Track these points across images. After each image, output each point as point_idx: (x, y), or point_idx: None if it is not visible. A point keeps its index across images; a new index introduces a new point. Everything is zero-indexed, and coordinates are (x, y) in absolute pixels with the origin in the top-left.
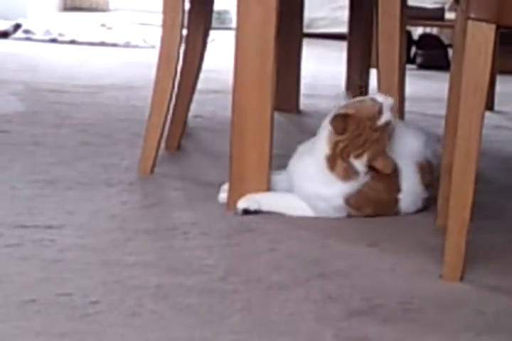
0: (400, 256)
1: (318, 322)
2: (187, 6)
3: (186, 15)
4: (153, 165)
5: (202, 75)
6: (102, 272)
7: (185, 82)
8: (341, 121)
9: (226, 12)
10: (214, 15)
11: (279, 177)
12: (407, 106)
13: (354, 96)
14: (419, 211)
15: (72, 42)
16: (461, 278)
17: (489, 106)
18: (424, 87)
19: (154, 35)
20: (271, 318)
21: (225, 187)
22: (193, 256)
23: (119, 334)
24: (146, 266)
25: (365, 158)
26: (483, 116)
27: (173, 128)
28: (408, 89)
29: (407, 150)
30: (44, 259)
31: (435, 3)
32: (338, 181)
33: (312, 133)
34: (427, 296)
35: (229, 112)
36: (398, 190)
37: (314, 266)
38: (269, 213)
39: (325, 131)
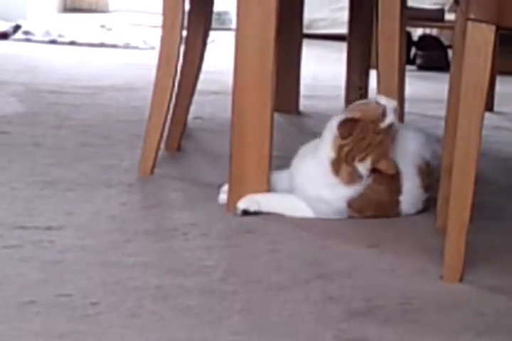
0: (399, 256)
1: (318, 323)
2: (187, 7)
3: (186, 16)
4: (153, 166)
5: (202, 76)
6: (102, 273)
7: (185, 83)
8: (348, 126)
9: (226, 13)
10: (214, 16)
11: (279, 177)
12: (407, 107)
13: (354, 98)
14: (419, 212)
15: (72, 43)
16: (461, 279)
17: (489, 106)
18: (424, 88)
19: (154, 36)
20: (271, 319)
21: (225, 188)
22: (192, 257)
23: (118, 335)
24: (146, 267)
25: (368, 161)
26: (482, 117)
27: (173, 129)
28: (408, 90)
29: (407, 152)
30: (44, 260)
31: (435, 4)
32: (342, 185)
33: (312, 134)
34: (427, 297)
35: (229, 113)
36: (399, 192)
37: (314, 266)
38: (268, 214)
39: (330, 134)
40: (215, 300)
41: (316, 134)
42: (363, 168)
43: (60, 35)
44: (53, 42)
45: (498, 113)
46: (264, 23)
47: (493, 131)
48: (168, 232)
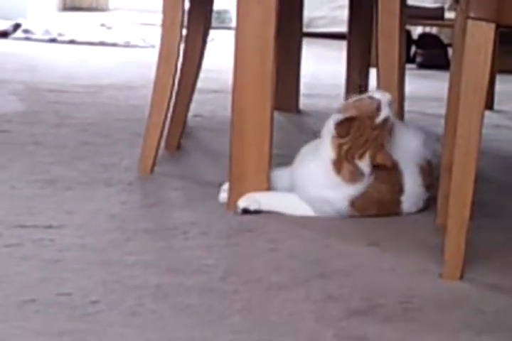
0: (400, 255)
1: (318, 322)
2: (187, 5)
3: (186, 15)
4: (153, 165)
5: (202, 75)
6: (102, 272)
7: (185, 82)
8: (345, 125)
9: (226, 11)
10: (214, 15)
11: (279, 175)
12: (407, 106)
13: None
14: (419, 210)
15: (72, 41)
16: (461, 277)
17: (489, 105)
18: (424, 87)
19: (154, 34)
20: (271, 318)
21: (225, 186)
22: (192, 255)
23: (118, 334)
24: (146, 265)
25: (367, 157)
26: (482, 116)
27: (173, 127)
28: (408, 88)
29: (408, 150)
30: (44, 259)
31: (435, 2)
32: (345, 184)
33: (312, 132)
34: (427, 295)
35: (229, 112)
36: (401, 191)
37: (314, 265)
38: (269, 213)
39: (328, 135)
40: (215, 299)
41: (316, 133)
42: (364, 164)
43: (59, 34)
44: (53, 40)
45: (498, 111)
46: (264, 22)
47: (493, 130)
48: (168, 231)
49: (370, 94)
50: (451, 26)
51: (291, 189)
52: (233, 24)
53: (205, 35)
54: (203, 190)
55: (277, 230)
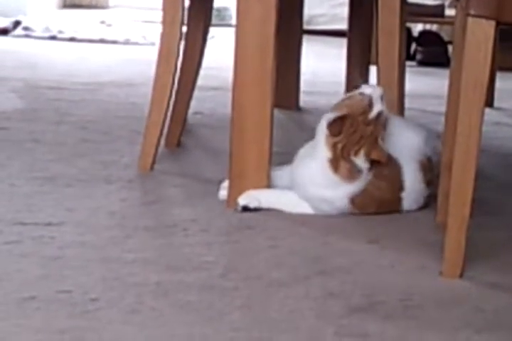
0: (400, 253)
1: (318, 319)
2: (187, 2)
3: (186, 12)
4: (153, 162)
5: (202, 72)
6: (102, 269)
7: (185, 79)
8: (337, 124)
9: (226, 9)
10: (214, 12)
11: (279, 173)
12: (407, 103)
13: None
14: (419, 208)
15: (72, 39)
16: (461, 275)
17: (489, 102)
18: (424, 84)
19: (154, 32)
20: (271, 315)
21: (225, 184)
22: (192, 253)
23: (118, 331)
24: (146, 263)
25: (362, 153)
26: (482, 113)
27: (173, 125)
28: (408, 85)
29: (408, 147)
30: (43, 256)
31: None
32: (343, 182)
33: (312, 130)
34: (427, 293)
35: (229, 109)
36: (401, 188)
37: (314, 263)
38: (269, 210)
39: (322, 134)
40: (215, 296)
41: (315, 131)
42: (360, 161)
43: (59, 31)
44: (53, 38)
45: (498, 109)
46: (264, 19)
47: (493, 127)
48: (168, 228)
49: (360, 90)
50: (451, 23)
51: (290, 187)
52: (233, 21)
53: (205, 32)
54: (202, 187)
55: (277, 227)
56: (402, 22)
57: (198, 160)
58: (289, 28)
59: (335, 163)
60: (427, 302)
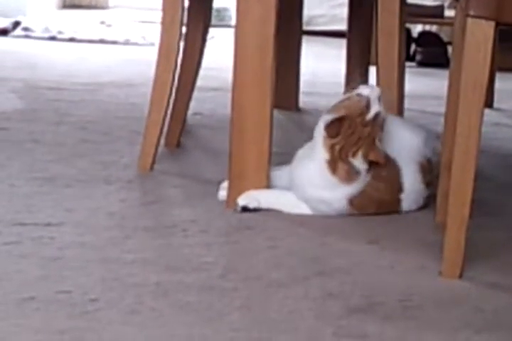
0: (399, 253)
1: (317, 320)
2: (186, 3)
3: (186, 13)
4: (153, 163)
5: (201, 73)
6: (101, 269)
7: (184, 80)
8: (335, 125)
9: (225, 9)
10: (213, 13)
11: (278, 173)
12: (407, 104)
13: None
14: (418, 208)
15: (72, 39)
16: (461, 275)
17: (488, 103)
18: (424, 85)
19: (154, 32)
20: (270, 316)
21: (225, 184)
22: (192, 253)
23: (118, 332)
24: (145, 263)
25: (360, 154)
26: (482, 114)
27: (173, 125)
28: (408, 86)
29: (408, 148)
30: (43, 257)
31: (435, 0)
32: (341, 184)
33: (311, 130)
34: (427, 293)
35: (228, 110)
36: (400, 189)
37: (314, 263)
38: (268, 211)
39: (319, 136)
40: (215, 297)
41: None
42: (358, 162)
43: (59, 32)
44: (53, 38)
45: (498, 109)
46: (264, 20)
47: (493, 128)
48: (168, 229)
49: (358, 91)
50: (450, 24)
51: (289, 187)
52: (233, 22)
53: (205, 33)
54: (202, 187)
55: (276, 228)
56: (402, 23)
57: (198, 160)
58: (289, 28)
59: (333, 165)
60: (427, 302)
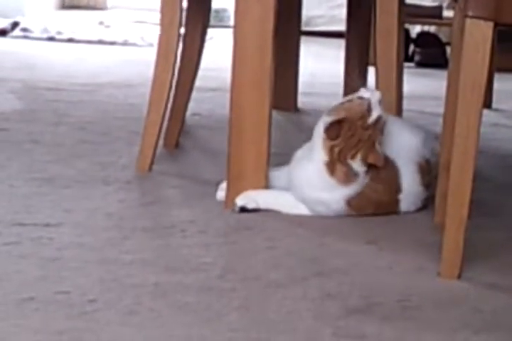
0: (398, 253)
1: (316, 320)
2: (185, 4)
3: (184, 14)
4: (151, 163)
5: (200, 73)
6: (100, 270)
7: (183, 80)
8: (335, 127)
9: (224, 10)
10: (212, 14)
11: (276, 174)
12: (405, 104)
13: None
14: (417, 209)
15: (70, 40)
16: (459, 276)
17: (487, 104)
18: (423, 85)
19: (152, 33)
20: (269, 316)
21: (223, 185)
22: (190, 254)
23: (116, 332)
24: (144, 264)
25: (359, 157)
26: (481, 114)
27: (171, 126)
28: (406, 87)
29: (406, 149)
30: (42, 257)
31: (433, 1)
32: (339, 185)
33: (310, 131)
34: (425, 294)
35: (227, 110)
36: (399, 190)
37: (312, 264)
38: (266, 211)
39: (318, 137)
40: (214, 297)
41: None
42: (356, 165)
43: (58, 32)
44: (51, 39)
45: (496, 110)
46: (263, 20)
47: (492, 128)
48: (166, 229)
49: (359, 94)
50: (449, 25)
51: (288, 188)
52: (232, 23)
53: (204, 33)
54: (201, 188)
55: (275, 228)
56: (400, 23)
57: (196, 161)
58: (287, 29)
59: (331, 166)
60: (425, 303)
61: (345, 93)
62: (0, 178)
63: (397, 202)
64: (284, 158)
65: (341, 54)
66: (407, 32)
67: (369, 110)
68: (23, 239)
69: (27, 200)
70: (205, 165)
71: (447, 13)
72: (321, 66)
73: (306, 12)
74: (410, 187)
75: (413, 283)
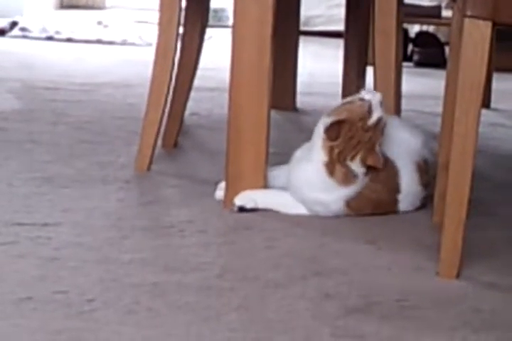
0: (396, 253)
1: (314, 320)
2: (183, 3)
3: (183, 13)
4: (150, 163)
5: (198, 73)
6: (99, 270)
7: (181, 80)
8: (335, 128)
9: (223, 10)
10: (211, 13)
11: (275, 174)
12: (404, 104)
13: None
14: (416, 209)
15: (69, 40)
16: (458, 275)
17: (486, 103)
18: (421, 85)
19: (151, 32)
20: (268, 316)
21: (222, 184)
22: (189, 253)
23: (115, 332)
24: (143, 263)
25: (358, 158)
26: (479, 114)
27: (170, 125)
28: (405, 86)
29: (405, 149)
30: (40, 257)
31: (432, 0)
32: (338, 186)
33: (309, 131)
34: (424, 293)
35: (225, 110)
36: (397, 190)
37: (311, 263)
38: (265, 211)
39: (318, 138)
40: (212, 297)
41: (312, 132)
42: (356, 166)
43: (56, 32)
44: (50, 38)
45: (495, 110)
46: (261, 20)
47: (490, 128)
48: (165, 229)
49: (360, 95)
50: (448, 24)
51: (286, 187)
52: (230, 22)
53: (202, 33)
54: (199, 188)
55: (274, 228)
56: (399, 23)
57: (195, 160)
58: (286, 29)
59: (331, 167)
60: (424, 302)
61: (344, 93)
62: None
63: (395, 201)
64: (282, 158)
65: (340, 54)
66: (405, 32)
67: (370, 112)
68: (22, 238)
69: (25, 200)
70: (204, 164)
71: (446, 13)
72: (320, 66)
73: (304, 12)
74: (409, 187)
75: (412, 283)
